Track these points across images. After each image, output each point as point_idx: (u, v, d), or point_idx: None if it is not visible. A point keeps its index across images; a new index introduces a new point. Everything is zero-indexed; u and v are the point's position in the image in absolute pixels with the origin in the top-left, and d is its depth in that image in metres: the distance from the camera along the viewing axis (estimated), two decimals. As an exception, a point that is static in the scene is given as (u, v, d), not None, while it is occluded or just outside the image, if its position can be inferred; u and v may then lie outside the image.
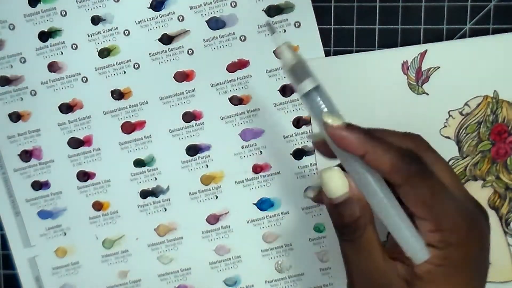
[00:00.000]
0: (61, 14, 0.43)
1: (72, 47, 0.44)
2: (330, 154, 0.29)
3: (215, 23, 0.42)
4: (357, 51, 0.42)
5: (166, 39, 0.43)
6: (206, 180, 0.44)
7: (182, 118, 0.44)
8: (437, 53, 0.41)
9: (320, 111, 0.28)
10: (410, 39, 0.42)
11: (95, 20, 0.43)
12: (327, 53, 0.42)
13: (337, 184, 0.28)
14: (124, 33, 0.43)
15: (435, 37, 0.41)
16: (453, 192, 0.29)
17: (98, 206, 0.45)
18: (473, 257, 0.28)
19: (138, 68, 0.43)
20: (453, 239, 0.28)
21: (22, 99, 0.44)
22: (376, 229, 0.29)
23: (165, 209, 0.45)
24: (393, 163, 0.27)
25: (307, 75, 0.28)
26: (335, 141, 0.28)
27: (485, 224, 0.29)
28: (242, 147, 0.43)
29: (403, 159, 0.28)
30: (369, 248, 0.28)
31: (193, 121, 0.44)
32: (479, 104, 0.41)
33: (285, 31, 0.42)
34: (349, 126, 0.28)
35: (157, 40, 0.43)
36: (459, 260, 0.28)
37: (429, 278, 0.28)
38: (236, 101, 0.43)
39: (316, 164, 0.43)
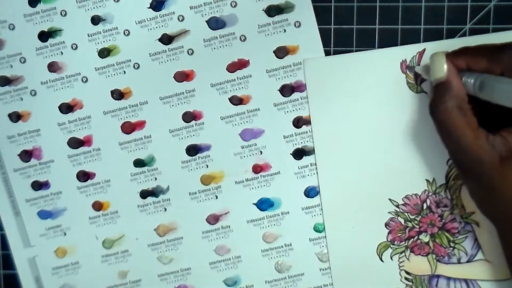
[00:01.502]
0: (61, 14, 0.43)
1: (72, 47, 0.44)
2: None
3: (215, 23, 0.42)
4: (357, 51, 0.42)
5: (166, 39, 0.43)
6: (206, 180, 0.44)
7: (182, 118, 0.44)
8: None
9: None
10: (410, 39, 0.42)
11: (95, 20, 0.43)
12: (327, 53, 0.42)
13: (439, 65, 0.35)
14: (124, 33, 0.43)
15: (435, 37, 0.41)
16: None
17: (98, 206, 0.45)
18: None
19: (138, 68, 0.43)
20: None
21: (22, 99, 0.44)
22: (470, 115, 0.34)
23: (165, 209, 0.45)
24: (488, 59, 0.33)
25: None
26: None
27: None
28: (242, 147, 0.43)
29: (498, 49, 0.33)
30: (458, 130, 0.33)
31: (193, 121, 0.44)
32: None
33: (285, 31, 0.42)
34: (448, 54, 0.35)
35: (157, 40, 0.43)
36: None
37: None
38: (236, 101, 0.43)
39: (316, 164, 0.43)
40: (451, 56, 0.35)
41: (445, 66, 0.34)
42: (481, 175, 0.34)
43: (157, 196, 0.45)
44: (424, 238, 0.43)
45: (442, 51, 0.35)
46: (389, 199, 0.42)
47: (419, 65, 0.41)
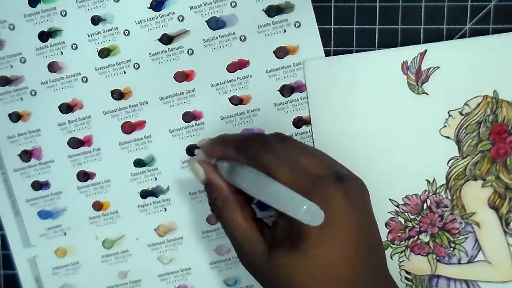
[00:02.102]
0: (61, 14, 0.43)
1: (72, 47, 0.44)
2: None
3: (215, 23, 0.42)
4: (357, 51, 0.42)
5: (166, 39, 0.43)
6: (206, 180, 0.44)
7: (182, 118, 0.44)
8: (437, 53, 0.41)
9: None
10: (410, 39, 0.42)
11: (95, 20, 0.43)
12: (327, 53, 0.42)
13: (197, 171, 0.37)
14: (124, 33, 0.43)
15: (435, 37, 0.41)
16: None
17: (98, 206, 0.45)
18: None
19: (138, 68, 0.43)
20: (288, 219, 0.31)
21: (22, 99, 0.44)
22: (241, 206, 0.35)
23: (165, 209, 0.45)
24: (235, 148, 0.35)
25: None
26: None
27: (331, 188, 0.32)
28: (242, 147, 0.43)
29: (242, 143, 0.35)
30: (231, 224, 0.35)
31: (193, 121, 0.44)
32: (479, 104, 0.41)
33: (285, 31, 0.42)
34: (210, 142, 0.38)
35: (157, 40, 0.43)
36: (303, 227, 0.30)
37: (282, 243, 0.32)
38: (236, 101, 0.43)
39: (316, 164, 0.43)
40: (208, 146, 0.37)
41: (201, 169, 0.36)
42: (256, 268, 0.34)
43: (157, 196, 0.45)
44: (424, 238, 0.43)
45: (193, 157, 0.41)
46: (389, 199, 0.42)
47: (419, 66, 0.41)
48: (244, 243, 0.34)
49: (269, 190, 0.31)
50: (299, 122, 0.43)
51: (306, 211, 0.29)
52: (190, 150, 0.44)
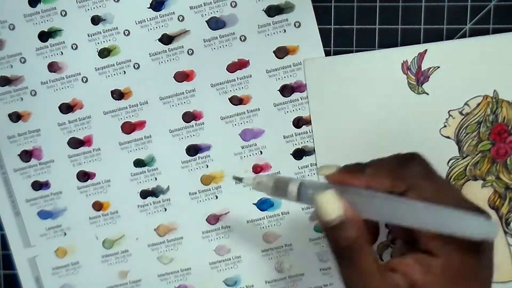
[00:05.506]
0: (61, 14, 0.43)
1: (72, 47, 0.44)
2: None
3: (215, 23, 0.42)
4: (357, 51, 0.42)
5: (166, 39, 0.43)
6: (206, 180, 0.44)
7: (182, 118, 0.44)
8: (437, 52, 0.41)
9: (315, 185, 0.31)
10: (410, 39, 0.42)
11: (95, 20, 0.43)
12: (327, 53, 0.42)
13: (332, 207, 0.28)
14: (124, 33, 0.43)
15: (435, 37, 0.41)
16: (453, 193, 0.29)
17: (98, 206, 0.45)
18: (475, 264, 0.28)
19: (138, 68, 0.43)
20: (453, 245, 0.28)
21: (22, 99, 0.44)
22: (372, 249, 0.29)
23: (165, 209, 0.45)
24: (392, 177, 0.30)
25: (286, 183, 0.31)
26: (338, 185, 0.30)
27: None
28: (242, 147, 0.43)
29: (402, 166, 0.30)
30: (368, 270, 0.28)
31: (193, 121, 0.44)
32: (479, 104, 0.41)
33: (285, 31, 0.42)
34: (344, 170, 0.31)
35: (157, 40, 0.43)
36: (460, 268, 0.28)
37: None
38: (236, 101, 0.43)
39: (316, 164, 0.43)
40: (342, 175, 0.31)
41: (338, 204, 0.28)
42: None
43: (157, 196, 0.45)
44: (424, 238, 0.42)
45: (328, 191, 0.29)
46: (389, 199, 0.42)
47: (419, 66, 0.41)
48: None
49: (440, 216, 0.27)
50: (299, 122, 0.43)
51: (482, 225, 0.27)
52: (190, 150, 0.44)
